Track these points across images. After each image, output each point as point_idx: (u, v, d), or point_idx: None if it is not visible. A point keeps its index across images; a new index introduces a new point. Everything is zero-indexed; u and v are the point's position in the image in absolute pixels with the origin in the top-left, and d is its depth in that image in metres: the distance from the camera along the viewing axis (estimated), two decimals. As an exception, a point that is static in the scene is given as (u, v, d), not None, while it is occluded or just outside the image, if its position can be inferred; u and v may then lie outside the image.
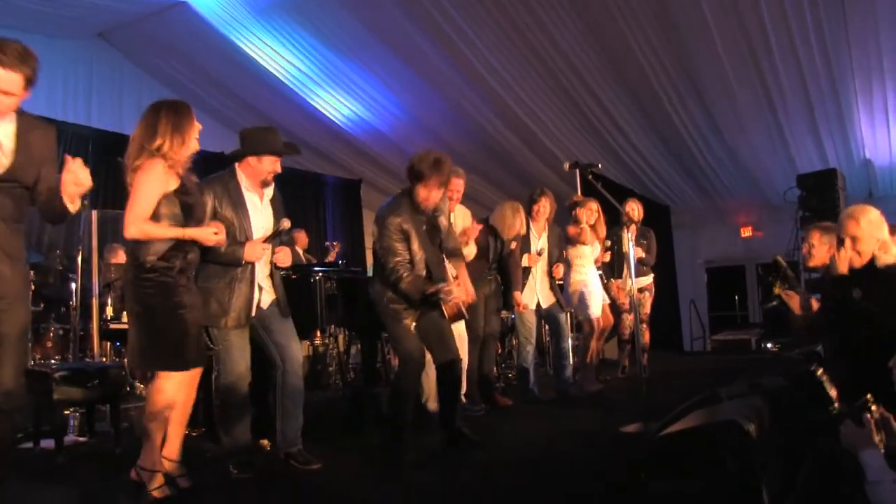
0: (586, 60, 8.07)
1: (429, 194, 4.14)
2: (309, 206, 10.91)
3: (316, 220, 11.01)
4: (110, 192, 7.89)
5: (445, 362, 4.22)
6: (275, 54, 8.89)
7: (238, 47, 8.83)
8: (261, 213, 3.93)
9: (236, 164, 3.92)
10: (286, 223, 3.96)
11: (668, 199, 11.56)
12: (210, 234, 3.46)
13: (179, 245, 3.42)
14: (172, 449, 3.48)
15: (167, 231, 3.35)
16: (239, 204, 3.84)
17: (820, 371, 3.02)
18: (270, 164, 3.88)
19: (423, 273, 4.13)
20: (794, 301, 4.14)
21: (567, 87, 8.55)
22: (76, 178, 2.88)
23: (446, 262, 4.38)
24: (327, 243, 7.65)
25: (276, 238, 3.96)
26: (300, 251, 8.06)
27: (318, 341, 7.07)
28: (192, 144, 3.46)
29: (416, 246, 4.14)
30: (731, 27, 7.27)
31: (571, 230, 6.52)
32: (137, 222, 3.30)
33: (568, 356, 6.29)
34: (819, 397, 3.10)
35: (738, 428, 3.33)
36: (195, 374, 3.54)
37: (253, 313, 3.83)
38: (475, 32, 7.87)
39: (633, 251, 6.48)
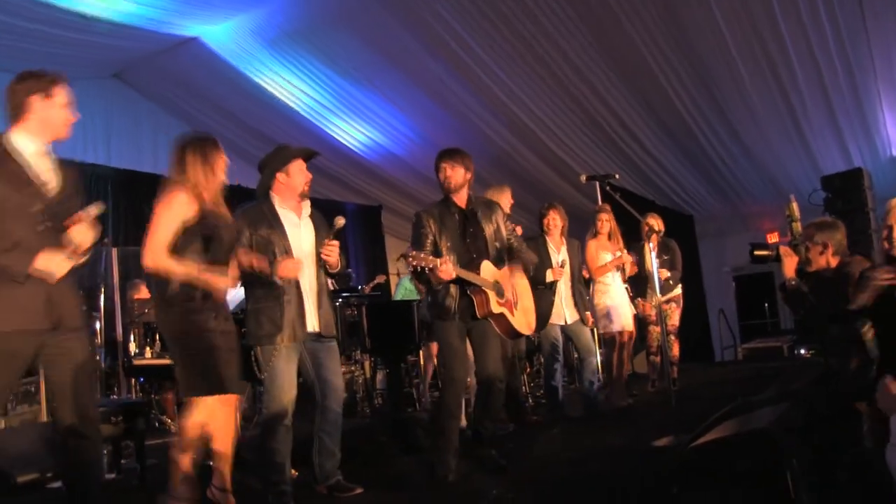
0: (598, 71, 8.03)
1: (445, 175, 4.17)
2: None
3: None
4: (131, 230, 7.95)
5: (481, 380, 4.18)
6: (288, 84, 8.96)
7: (251, 79, 8.91)
8: (301, 229, 3.87)
9: (270, 191, 3.89)
10: (340, 221, 3.93)
11: (692, 209, 11.44)
12: (222, 281, 3.40)
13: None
14: (221, 478, 3.46)
15: (180, 269, 3.31)
16: (275, 224, 3.79)
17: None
18: (299, 173, 3.84)
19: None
20: (789, 263, 4.03)
21: (580, 100, 8.51)
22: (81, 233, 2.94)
23: (491, 264, 4.28)
24: (349, 271, 7.60)
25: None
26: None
27: (343, 368, 7.01)
28: (221, 176, 3.47)
29: (444, 240, 4.10)
30: (744, 28, 7.19)
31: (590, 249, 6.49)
32: (154, 252, 3.29)
33: (596, 372, 6.19)
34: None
35: (770, 436, 3.25)
36: (229, 401, 3.46)
37: (308, 329, 3.76)
38: (484, 50, 7.88)
39: (655, 265, 6.41)
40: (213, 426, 3.44)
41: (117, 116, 9.41)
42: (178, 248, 3.34)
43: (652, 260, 6.32)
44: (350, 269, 7.93)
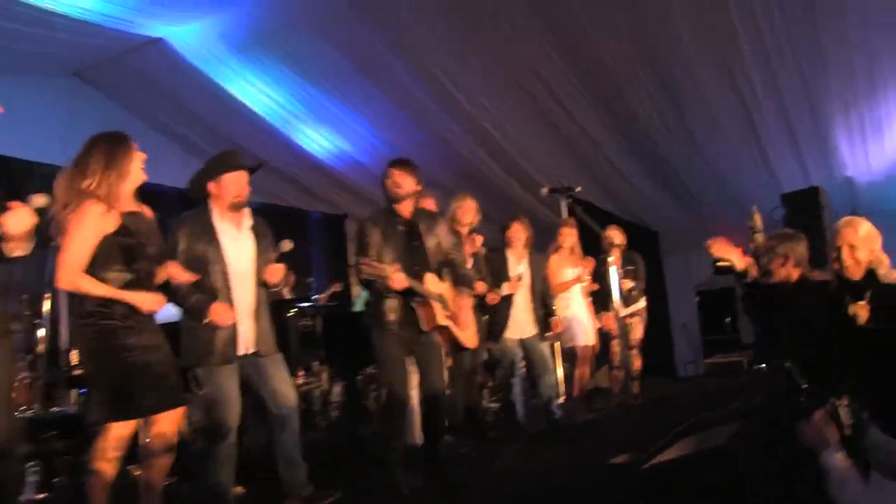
0: (566, 84, 8.01)
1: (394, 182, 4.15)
2: (294, 243, 10.72)
3: (302, 256, 10.85)
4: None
5: (427, 394, 4.11)
6: (255, 89, 8.82)
7: (217, 84, 8.75)
8: (239, 243, 3.78)
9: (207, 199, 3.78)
10: (287, 245, 3.86)
11: (657, 225, 11.50)
12: (147, 300, 3.24)
13: (122, 289, 3.23)
14: (153, 497, 3.34)
15: (98, 291, 3.15)
16: (211, 237, 3.70)
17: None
18: (232, 184, 3.73)
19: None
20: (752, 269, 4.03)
21: (547, 112, 8.48)
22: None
23: (435, 277, 4.21)
24: (309, 280, 7.46)
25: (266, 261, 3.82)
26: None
27: (300, 380, 6.90)
28: (135, 176, 3.29)
29: (388, 251, 4.03)
30: (710, 50, 7.22)
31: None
32: (69, 274, 3.12)
33: (554, 386, 6.16)
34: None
35: (726, 455, 3.24)
36: (167, 418, 3.34)
37: (240, 350, 3.68)
38: (452, 60, 7.81)
39: (616, 279, 6.42)
40: (152, 441, 3.32)
41: (78, 116, 9.16)
42: (96, 265, 3.17)
43: (612, 274, 6.34)
44: (311, 279, 7.81)
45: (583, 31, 7.18)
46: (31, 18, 7.20)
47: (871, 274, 3.52)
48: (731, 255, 3.99)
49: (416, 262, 4.11)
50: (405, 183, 4.14)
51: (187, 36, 8.17)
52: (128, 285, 3.23)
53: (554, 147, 9.25)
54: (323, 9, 7.40)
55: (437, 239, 4.25)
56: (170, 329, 3.58)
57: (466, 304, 4.35)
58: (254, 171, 3.91)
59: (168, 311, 4.82)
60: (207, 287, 3.65)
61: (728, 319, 11.06)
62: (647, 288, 7.37)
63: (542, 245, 6.73)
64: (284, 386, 3.81)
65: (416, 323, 4.03)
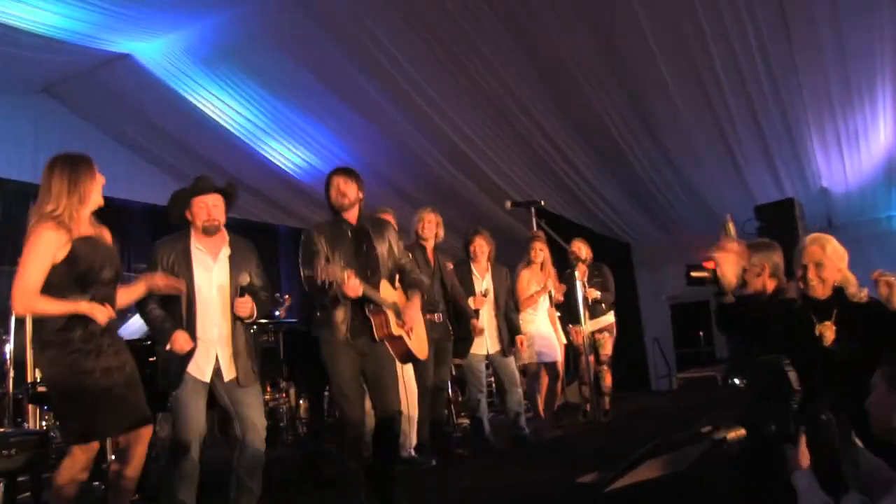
0: (534, 98, 8.00)
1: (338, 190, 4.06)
2: (263, 258, 10.59)
3: (270, 271, 10.67)
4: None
5: (381, 414, 3.99)
6: (221, 104, 8.75)
7: (185, 98, 8.68)
8: (211, 272, 3.75)
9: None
10: (244, 279, 3.79)
11: (629, 237, 11.49)
12: (100, 311, 3.21)
13: (78, 315, 3.20)
14: None
15: (54, 307, 3.14)
16: (185, 262, 3.69)
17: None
18: (199, 210, 3.72)
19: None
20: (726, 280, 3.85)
21: (515, 124, 8.46)
22: None
23: (388, 285, 4.13)
24: (277, 295, 7.36)
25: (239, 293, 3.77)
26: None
27: (267, 396, 6.80)
28: (94, 200, 3.31)
29: (337, 258, 3.93)
30: (679, 62, 7.22)
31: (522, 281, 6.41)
32: (23, 298, 3.12)
33: (521, 403, 6.09)
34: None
35: (693, 479, 3.18)
36: (134, 436, 3.35)
37: (205, 377, 3.65)
38: (420, 73, 7.78)
39: (580, 291, 6.37)
40: (120, 459, 3.33)
41: (46, 132, 9.03)
42: (52, 290, 3.16)
43: (577, 288, 6.28)
44: (279, 294, 7.70)
45: (554, 49, 7.17)
46: (-1, 36, 7.15)
47: (838, 292, 3.43)
48: (729, 270, 3.64)
49: (367, 269, 4.01)
50: (349, 191, 4.05)
51: (153, 51, 8.11)
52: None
53: (522, 160, 9.24)
54: (286, 23, 7.36)
55: (386, 245, 4.16)
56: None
57: (418, 315, 4.26)
58: (228, 195, 3.88)
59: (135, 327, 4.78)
60: (177, 313, 3.66)
61: (701, 333, 11.05)
62: (619, 301, 7.31)
63: (511, 258, 6.70)
64: (254, 414, 3.73)
65: (369, 332, 3.94)
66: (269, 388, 6.51)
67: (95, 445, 3.26)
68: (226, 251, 3.81)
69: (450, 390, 6.54)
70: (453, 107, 8.35)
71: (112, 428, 3.28)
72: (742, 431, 3.31)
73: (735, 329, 3.92)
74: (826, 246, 3.42)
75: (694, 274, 4.11)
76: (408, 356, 4.10)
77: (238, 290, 3.74)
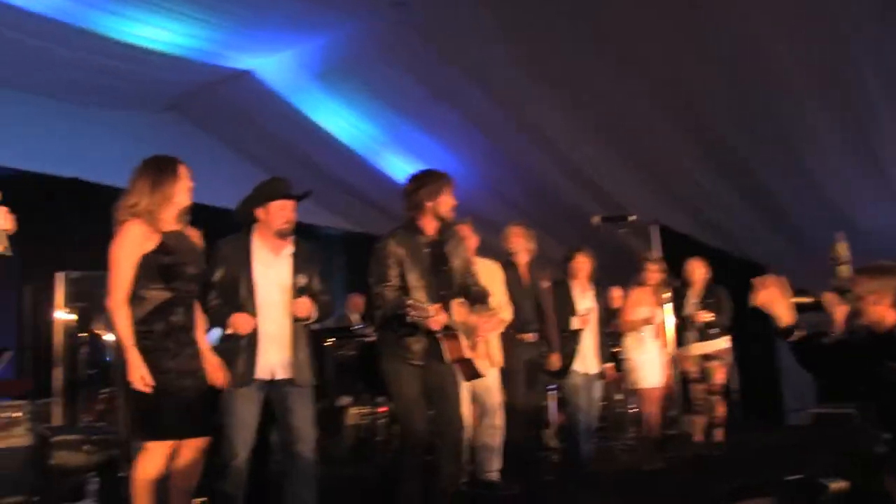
0: (654, 113, 7.63)
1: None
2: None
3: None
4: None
5: (441, 429, 3.83)
6: (338, 118, 8.93)
7: (302, 113, 8.91)
8: (272, 269, 3.74)
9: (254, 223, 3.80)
10: (303, 280, 3.76)
11: (764, 258, 10.75)
12: (138, 375, 3.18)
13: (161, 307, 3.29)
14: None
15: (120, 331, 3.24)
16: (245, 260, 3.70)
17: None
18: (280, 211, 3.71)
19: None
20: (838, 312, 3.41)
21: (632, 140, 8.12)
22: None
23: (459, 305, 3.99)
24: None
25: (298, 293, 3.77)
26: (352, 315, 7.87)
27: (367, 409, 6.70)
28: (179, 200, 3.38)
29: (413, 275, 3.82)
30: (813, 62, 6.63)
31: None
32: (117, 297, 3.24)
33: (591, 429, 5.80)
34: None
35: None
36: (192, 445, 3.36)
37: (265, 375, 3.61)
38: (536, 90, 7.62)
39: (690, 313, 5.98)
40: (174, 466, 3.32)
41: (173, 149, 9.45)
42: (136, 281, 3.27)
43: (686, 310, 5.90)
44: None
45: (673, 66, 6.79)
46: (128, 56, 7.58)
47: None
48: (777, 307, 3.23)
49: (441, 288, 3.89)
50: (451, 200, 3.97)
51: (272, 67, 8.36)
52: (167, 303, 3.31)
53: (643, 178, 8.83)
54: (396, 39, 7.41)
55: (461, 259, 4.04)
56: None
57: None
58: (300, 200, 3.89)
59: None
60: (236, 304, 3.66)
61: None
62: (751, 326, 6.77)
63: (625, 276, 6.39)
64: (304, 424, 3.68)
65: (438, 354, 3.81)
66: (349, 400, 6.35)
67: (167, 445, 3.28)
68: (289, 249, 3.80)
69: (547, 413, 6.31)
70: (571, 124, 8.13)
71: (178, 430, 3.31)
72: (844, 485, 2.94)
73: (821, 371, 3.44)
74: None
75: (796, 299, 3.60)
76: (474, 376, 3.95)
77: (298, 290, 3.71)
